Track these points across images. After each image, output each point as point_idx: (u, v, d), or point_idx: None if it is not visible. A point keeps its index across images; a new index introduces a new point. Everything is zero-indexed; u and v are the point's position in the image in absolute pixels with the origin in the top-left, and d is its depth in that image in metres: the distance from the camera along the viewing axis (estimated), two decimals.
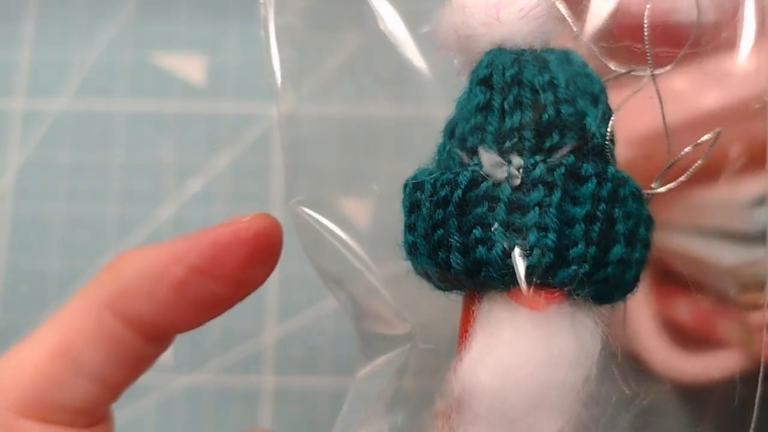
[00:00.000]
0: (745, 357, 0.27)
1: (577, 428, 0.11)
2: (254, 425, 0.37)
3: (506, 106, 0.13)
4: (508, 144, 0.12)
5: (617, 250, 0.12)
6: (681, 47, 0.31)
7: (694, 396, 0.37)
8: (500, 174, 0.12)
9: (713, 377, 0.27)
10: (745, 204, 0.27)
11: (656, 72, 0.15)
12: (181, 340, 0.39)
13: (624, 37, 0.33)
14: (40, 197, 0.40)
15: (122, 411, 0.38)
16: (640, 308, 0.28)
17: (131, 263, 0.16)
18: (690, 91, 0.27)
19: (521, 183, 0.12)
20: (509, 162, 0.12)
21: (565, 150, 0.12)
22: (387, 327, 0.17)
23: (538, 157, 0.12)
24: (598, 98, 0.13)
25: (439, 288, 0.14)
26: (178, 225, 0.39)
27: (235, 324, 0.38)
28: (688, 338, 0.33)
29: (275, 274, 0.39)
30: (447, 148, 0.13)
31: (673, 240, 0.32)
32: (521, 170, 0.12)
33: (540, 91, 0.12)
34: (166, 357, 0.38)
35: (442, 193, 0.13)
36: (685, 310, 0.32)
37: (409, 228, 0.13)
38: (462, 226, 0.12)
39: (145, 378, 0.37)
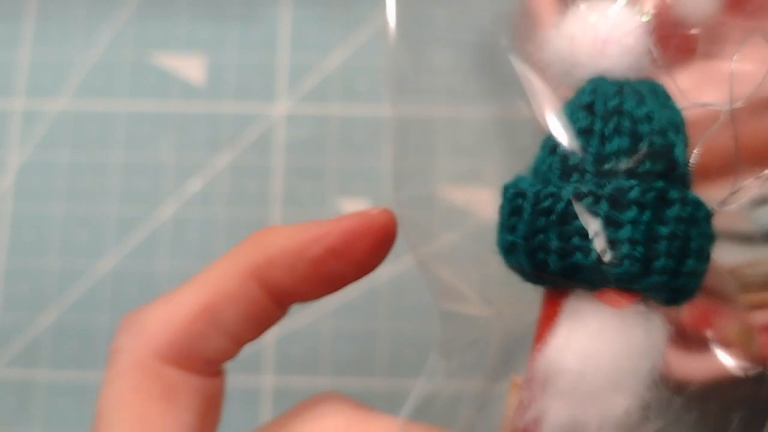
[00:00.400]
0: (745, 357, 0.27)
1: (640, 407, 0.14)
2: (254, 425, 0.37)
3: (606, 132, 0.14)
4: (606, 166, 0.14)
5: (690, 264, 0.15)
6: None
7: (694, 395, 0.37)
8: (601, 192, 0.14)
9: (712, 377, 0.28)
10: (746, 204, 0.27)
11: (733, 106, 0.16)
12: None
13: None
14: (40, 197, 0.40)
15: None
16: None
17: (277, 238, 0.18)
18: (693, 90, 0.27)
19: (617, 202, 0.14)
20: (608, 182, 0.14)
21: (654, 175, 0.14)
22: (469, 307, 0.19)
23: (633, 181, 0.14)
24: (680, 129, 0.15)
25: (527, 281, 0.16)
26: (177, 225, 0.39)
27: None
28: (687, 338, 0.33)
29: None
30: (548, 162, 0.15)
31: None
32: (618, 191, 0.14)
33: (638, 123, 0.15)
34: None
35: (546, 204, 0.14)
36: (684, 309, 0.32)
37: (509, 229, 0.15)
38: (562, 234, 0.14)
39: None
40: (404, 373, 0.38)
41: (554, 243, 0.14)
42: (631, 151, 0.14)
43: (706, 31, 0.30)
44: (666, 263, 0.14)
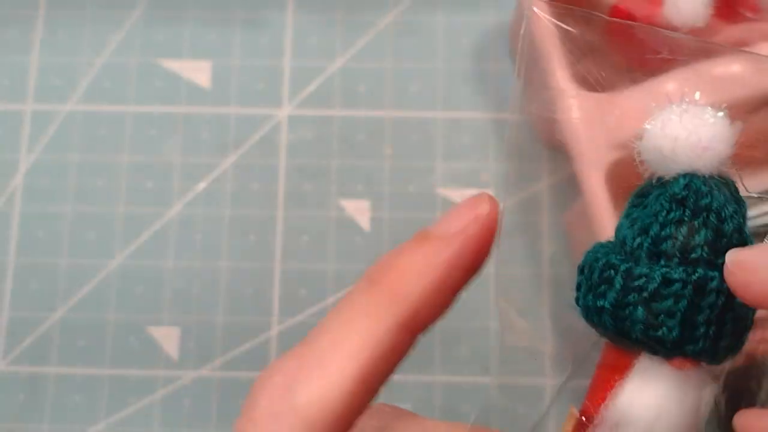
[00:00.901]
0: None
1: None
2: None
3: (696, 225, 0.16)
4: (693, 255, 0.16)
5: (727, 331, 0.17)
6: None
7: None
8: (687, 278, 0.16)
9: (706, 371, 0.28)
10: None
11: None
12: (186, 338, 0.40)
13: None
14: (49, 197, 0.40)
15: (131, 406, 0.38)
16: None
17: (415, 281, 0.16)
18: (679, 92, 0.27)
19: (700, 289, 0.16)
20: (695, 271, 0.16)
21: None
22: (533, 343, 0.20)
23: (715, 273, 0.16)
24: (747, 223, 0.18)
25: (603, 337, 0.18)
26: (184, 224, 0.40)
27: (239, 321, 0.39)
28: None
29: (278, 272, 0.39)
30: (638, 241, 0.17)
31: None
32: (702, 279, 0.16)
33: (725, 221, 0.17)
34: (173, 353, 0.38)
35: (639, 282, 0.16)
36: None
37: (598, 294, 0.17)
38: (650, 310, 0.16)
39: (155, 373, 0.38)
40: (404, 369, 0.38)
41: (641, 316, 0.16)
42: (715, 243, 0.16)
43: (696, 34, 0.31)
44: (729, 342, 0.17)
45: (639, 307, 0.16)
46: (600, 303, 0.17)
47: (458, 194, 0.40)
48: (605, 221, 0.28)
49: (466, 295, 0.41)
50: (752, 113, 0.30)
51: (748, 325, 0.17)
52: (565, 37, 0.32)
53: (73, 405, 0.38)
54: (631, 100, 0.29)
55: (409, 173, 0.40)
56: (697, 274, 0.16)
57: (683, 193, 0.17)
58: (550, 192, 0.40)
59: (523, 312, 0.21)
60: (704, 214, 0.16)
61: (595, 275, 0.17)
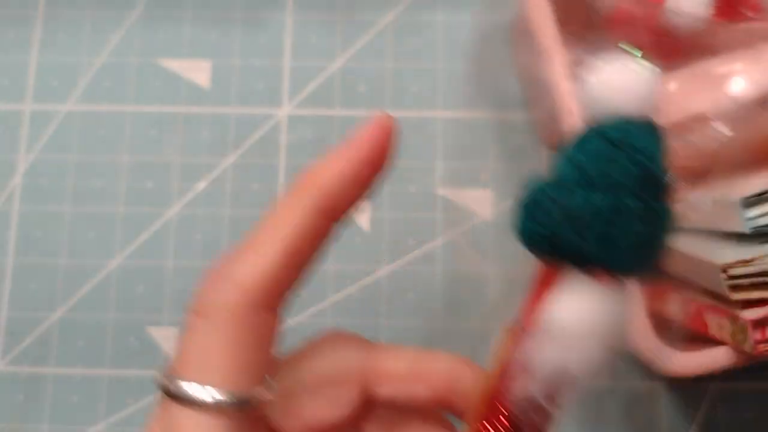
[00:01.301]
0: (736, 353, 0.28)
1: (608, 361, 0.18)
2: None
3: (623, 161, 0.18)
4: (619, 186, 0.18)
5: (643, 252, 0.18)
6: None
7: (687, 390, 0.37)
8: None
9: (705, 372, 0.28)
10: (738, 204, 0.27)
11: None
12: None
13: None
14: (49, 197, 0.40)
15: (131, 406, 0.38)
16: (635, 305, 0.28)
17: (327, 174, 0.20)
18: (682, 93, 0.27)
19: (619, 211, 0.18)
20: (613, 197, 0.18)
21: (649, 194, 0.18)
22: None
23: (639, 201, 0.18)
24: (663, 153, 0.20)
25: (537, 258, 0.20)
26: (183, 223, 0.40)
27: None
28: (680, 335, 0.34)
29: None
30: (573, 176, 0.19)
31: None
32: (618, 203, 0.18)
33: (649, 158, 0.18)
34: (173, 353, 0.38)
35: (569, 209, 0.18)
36: (678, 307, 0.32)
37: (537, 223, 0.19)
38: (578, 232, 0.18)
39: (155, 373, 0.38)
40: None
41: (570, 236, 0.18)
42: (638, 177, 0.18)
43: (696, 35, 0.31)
44: (644, 262, 0.19)
45: (568, 229, 0.18)
46: (537, 229, 0.19)
47: (458, 194, 0.40)
48: None
49: (466, 296, 0.41)
50: (755, 113, 0.30)
51: (662, 248, 0.19)
52: (567, 37, 0.32)
53: (72, 405, 0.38)
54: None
55: (409, 173, 0.40)
56: (621, 202, 0.18)
57: (614, 133, 0.19)
58: None
59: None
60: (630, 151, 0.18)
61: (535, 206, 0.19)
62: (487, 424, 0.20)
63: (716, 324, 0.29)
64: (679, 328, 0.33)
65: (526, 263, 0.42)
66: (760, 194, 0.28)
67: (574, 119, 0.30)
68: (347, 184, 0.20)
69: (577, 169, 0.18)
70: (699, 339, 0.30)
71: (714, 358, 0.28)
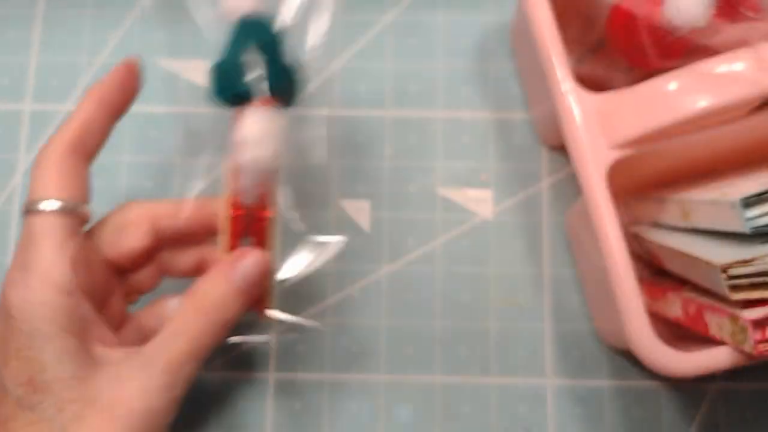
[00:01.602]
0: (736, 353, 0.28)
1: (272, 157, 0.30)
2: (261, 414, 0.38)
3: (260, 38, 0.30)
4: (256, 54, 0.30)
5: (284, 88, 0.31)
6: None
7: (685, 389, 0.37)
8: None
9: (704, 372, 0.28)
10: (737, 204, 0.27)
11: None
12: None
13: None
14: None
15: None
16: (634, 304, 0.28)
17: (81, 107, 0.30)
18: (680, 93, 0.27)
19: (256, 64, 0.30)
20: (260, 58, 0.30)
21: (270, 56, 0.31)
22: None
23: (267, 56, 0.30)
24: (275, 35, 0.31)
25: (226, 105, 0.31)
26: None
27: (239, 321, 0.39)
28: (680, 334, 0.34)
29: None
30: (230, 51, 0.31)
31: (667, 238, 0.33)
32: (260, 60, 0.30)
33: (267, 34, 0.31)
34: None
35: (229, 70, 0.31)
36: (677, 307, 0.32)
37: (217, 87, 0.31)
38: (236, 80, 0.30)
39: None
40: (405, 370, 0.38)
41: (240, 86, 0.29)
42: (263, 45, 0.30)
43: (696, 34, 0.31)
44: (287, 94, 0.31)
45: (230, 81, 0.30)
46: (217, 87, 0.31)
47: (458, 194, 0.40)
48: (605, 221, 0.28)
49: (465, 296, 0.41)
50: (754, 113, 0.30)
51: (298, 84, 0.32)
52: (566, 37, 0.32)
53: None
54: (631, 100, 0.29)
55: (409, 173, 0.40)
56: (259, 58, 0.29)
57: (246, 22, 0.31)
58: (550, 192, 0.40)
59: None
60: (257, 30, 0.30)
61: (214, 75, 0.31)
62: (232, 225, 0.30)
63: (716, 324, 0.29)
64: (678, 328, 0.33)
65: (527, 263, 0.42)
66: (759, 194, 0.28)
67: (571, 118, 0.30)
68: (100, 114, 0.30)
69: (232, 45, 0.30)
70: (699, 339, 0.30)
71: (714, 359, 0.28)
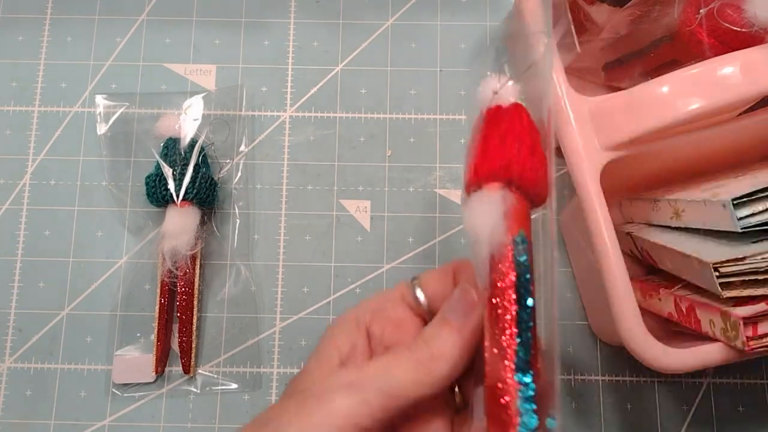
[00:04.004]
0: (727, 349, 0.28)
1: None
2: (263, 406, 0.38)
3: (171, 158, 0.39)
4: (179, 165, 0.39)
5: (198, 192, 0.39)
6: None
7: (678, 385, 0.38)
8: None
9: (696, 368, 0.28)
10: (728, 204, 0.27)
11: None
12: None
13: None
14: (57, 196, 0.40)
15: (139, 401, 0.38)
16: (627, 302, 0.28)
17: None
18: (672, 96, 0.27)
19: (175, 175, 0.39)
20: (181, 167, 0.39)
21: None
22: None
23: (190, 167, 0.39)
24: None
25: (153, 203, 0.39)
26: None
27: (244, 322, 0.39)
28: (672, 331, 0.34)
29: (280, 271, 0.39)
30: (162, 160, 0.39)
31: (659, 237, 0.33)
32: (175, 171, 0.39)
33: (173, 151, 0.39)
34: (179, 350, 0.38)
35: (157, 179, 0.39)
36: (669, 304, 0.32)
37: (150, 192, 0.39)
38: (164, 189, 0.38)
39: (168, 371, 0.38)
40: None
41: (163, 193, 0.37)
42: (175, 160, 0.38)
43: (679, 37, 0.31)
44: (201, 197, 0.38)
45: (156, 189, 0.38)
46: (148, 193, 0.38)
47: (457, 194, 0.40)
48: (599, 220, 0.29)
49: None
50: (744, 115, 0.30)
51: (212, 190, 0.38)
52: (563, 42, 0.33)
53: (78, 400, 0.38)
54: (624, 102, 0.29)
55: (409, 173, 0.41)
56: (181, 170, 0.38)
57: (167, 144, 0.38)
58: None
59: None
60: (174, 151, 0.38)
61: (145, 184, 0.38)
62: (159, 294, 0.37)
63: (708, 321, 0.29)
64: (670, 325, 0.33)
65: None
66: (750, 194, 0.28)
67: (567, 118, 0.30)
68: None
69: (161, 160, 0.38)
70: (691, 335, 0.31)
71: (706, 355, 0.28)
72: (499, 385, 0.21)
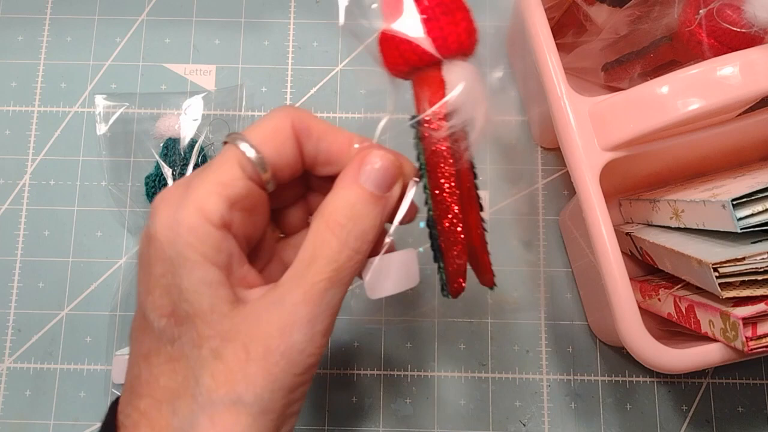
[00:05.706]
0: (727, 350, 0.28)
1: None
2: None
3: (170, 159, 0.39)
4: (177, 169, 0.40)
5: None
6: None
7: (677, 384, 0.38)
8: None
9: (695, 368, 0.28)
10: (728, 205, 0.27)
11: None
12: None
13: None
14: (55, 196, 0.41)
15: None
16: (626, 302, 0.28)
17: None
18: (672, 96, 0.28)
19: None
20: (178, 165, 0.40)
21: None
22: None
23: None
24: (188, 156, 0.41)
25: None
26: None
27: None
28: (672, 331, 0.34)
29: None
30: (171, 158, 0.39)
31: (659, 237, 0.33)
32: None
33: (177, 154, 0.40)
34: None
35: (153, 180, 0.40)
36: (669, 304, 0.32)
37: (149, 191, 0.39)
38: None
39: None
40: (405, 366, 0.38)
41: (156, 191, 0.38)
42: (180, 160, 0.39)
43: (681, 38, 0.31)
44: None
45: (155, 190, 0.38)
46: (147, 193, 0.39)
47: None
48: (598, 220, 0.29)
49: (465, 295, 0.41)
50: (743, 115, 0.30)
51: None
52: (562, 40, 0.33)
53: (77, 401, 0.38)
54: (624, 103, 0.29)
55: None
56: (180, 169, 0.38)
57: (167, 144, 0.39)
58: (544, 192, 0.40)
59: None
60: (174, 151, 0.39)
61: (145, 184, 0.38)
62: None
63: (708, 321, 0.29)
64: (670, 325, 0.33)
65: (524, 260, 0.42)
66: (749, 195, 0.28)
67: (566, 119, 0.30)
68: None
69: (161, 160, 0.38)
70: (691, 336, 0.31)
71: (705, 355, 0.28)
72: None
